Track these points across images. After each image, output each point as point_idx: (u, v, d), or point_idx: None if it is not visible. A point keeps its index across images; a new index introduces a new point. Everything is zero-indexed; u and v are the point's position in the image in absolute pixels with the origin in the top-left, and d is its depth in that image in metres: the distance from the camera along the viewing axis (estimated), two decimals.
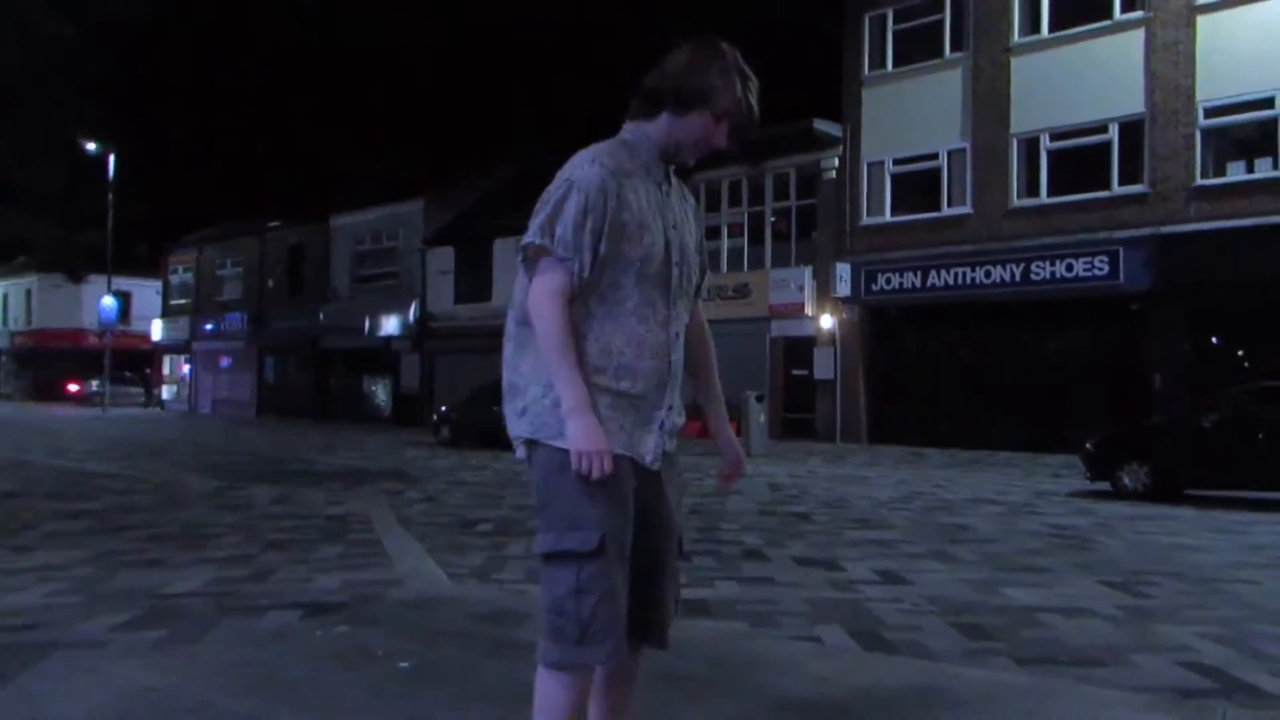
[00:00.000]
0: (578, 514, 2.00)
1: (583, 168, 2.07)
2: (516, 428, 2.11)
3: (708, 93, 2.10)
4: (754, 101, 2.15)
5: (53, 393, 47.19)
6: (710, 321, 2.36)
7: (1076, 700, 3.26)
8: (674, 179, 2.24)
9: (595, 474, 1.96)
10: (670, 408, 2.15)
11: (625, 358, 2.07)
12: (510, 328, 2.15)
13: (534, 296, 2.04)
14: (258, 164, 65.27)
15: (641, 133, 2.17)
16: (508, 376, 2.15)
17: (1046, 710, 3.10)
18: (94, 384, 43.45)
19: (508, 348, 2.15)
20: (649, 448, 2.10)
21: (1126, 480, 11.05)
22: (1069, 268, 17.73)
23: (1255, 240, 15.47)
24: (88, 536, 7.08)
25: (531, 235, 2.05)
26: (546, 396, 2.05)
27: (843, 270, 20.68)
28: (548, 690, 2.03)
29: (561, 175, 2.09)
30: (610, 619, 1.98)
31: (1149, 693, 3.59)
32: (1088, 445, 11.69)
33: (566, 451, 2.00)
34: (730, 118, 2.13)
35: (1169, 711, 3.15)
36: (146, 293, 47.37)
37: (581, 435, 1.96)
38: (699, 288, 2.31)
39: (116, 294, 39.39)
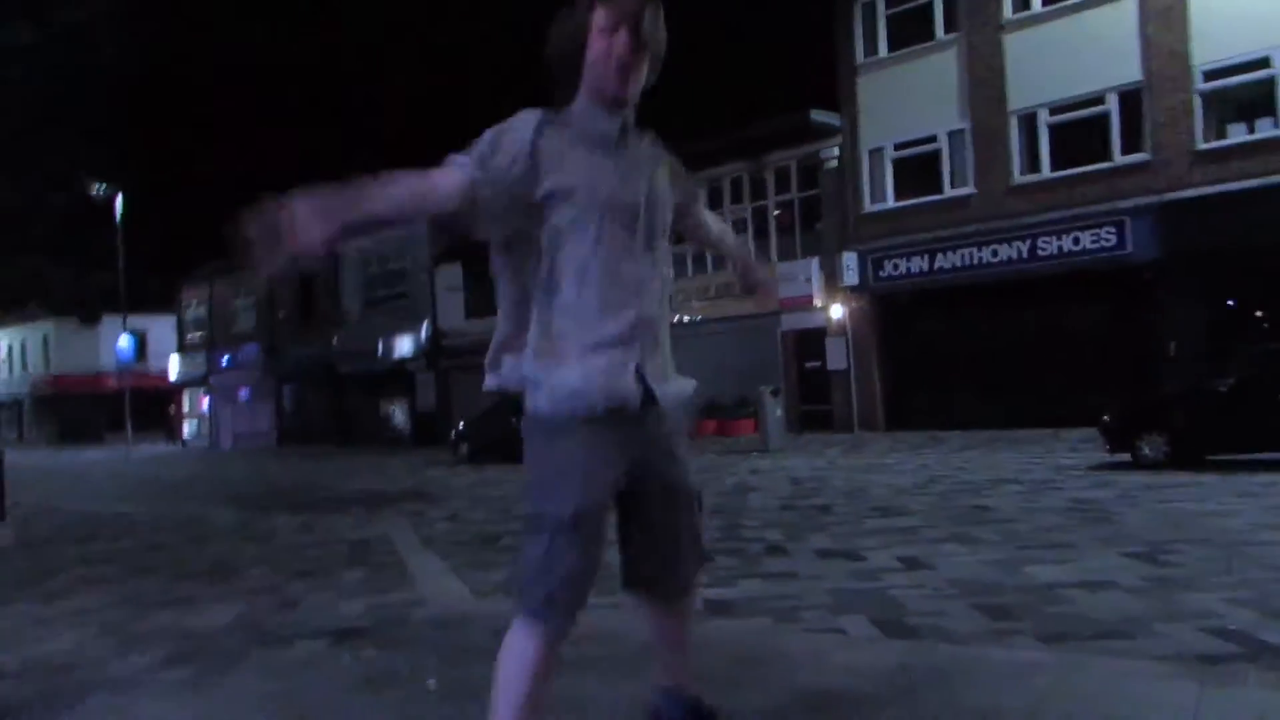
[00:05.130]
0: (556, 482, 2.01)
1: (517, 118, 2.05)
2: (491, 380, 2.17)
3: (583, 22, 2.04)
4: None
5: (76, 437, 47.59)
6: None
7: (1098, 673, 3.27)
8: (633, 132, 2.17)
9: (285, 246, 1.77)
10: (648, 355, 2.09)
11: (592, 317, 2.04)
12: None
13: None
14: (265, 193, 65.70)
15: (570, 107, 2.12)
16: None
17: (1068, 684, 3.11)
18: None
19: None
20: (628, 392, 2.04)
21: (1146, 450, 11.02)
22: (1076, 241, 17.67)
23: (1261, 201, 15.39)
24: (117, 578, 7.17)
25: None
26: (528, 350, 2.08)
27: (849, 259, 20.67)
28: (517, 640, 2.06)
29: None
30: (569, 597, 2.00)
31: (1173, 661, 3.59)
32: (1105, 417, 11.66)
33: (547, 417, 2.03)
34: (618, 17, 2.01)
35: (1192, 678, 3.15)
36: (162, 329, 47.69)
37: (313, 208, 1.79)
38: (688, 207, 2.38)
39: (132, 333, 39.68)
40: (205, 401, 42.41)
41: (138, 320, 43.77)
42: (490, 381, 2.15)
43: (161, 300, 46.35)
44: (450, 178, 1.95)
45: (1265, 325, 15.93)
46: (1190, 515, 7.50)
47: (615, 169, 2.08)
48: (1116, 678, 3.20)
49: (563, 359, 2.02)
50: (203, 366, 41.34)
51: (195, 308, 42.84)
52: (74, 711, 3.67)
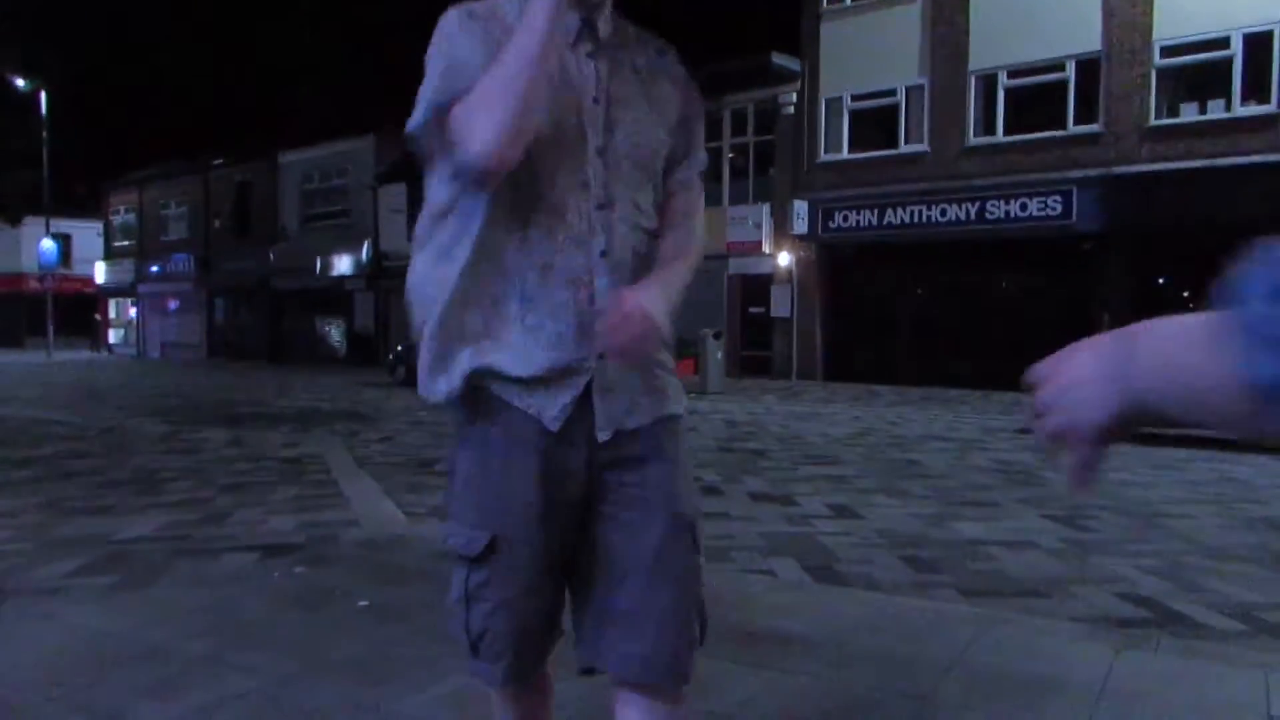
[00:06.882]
0: (464, 505, 1.55)
1: (445, 23, 1.50)
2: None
3: None
4: None
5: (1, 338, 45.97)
6: None
7: (1016, 629, 3.37)
8: (604, 29, 1.55)
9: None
10: (602, 356, 1.49)
11: (529, 283, 1.48)
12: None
13: (457, 121, 1.41)
14: (201, 100, 63.35)
15: None
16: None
17: (989, 638, 3.21)
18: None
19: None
20: (558, 405, 1.49)
21: None
22: (1023, 207, 17.89)
23: (1205, 182, 15.69)
24: (37, 484, 6.99)
25: (413, 122, 1.48)
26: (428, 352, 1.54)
27: (800, 208, 20.69)
28: (492, 700, 1.68)
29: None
30: (504, 636, 1.53)
31: (1087, 622, 3.72)
32: None
33: (472, 418, 1.55)
34: None
35: (1104, 640, 3.27)
36: (88, 234, 45.84)
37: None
38: (671, 175, 1.62)
39: (56, 236, 38.14)
40: (132, 310, 41.24)
41: (62, 224, 42.14)
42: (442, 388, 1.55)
43: (88, 204, 44.61)
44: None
45: (1190, 306, 16.34)
46: (1109, 483, 7.73)
47: (578, 86, 1.51)
48: (1035, 635, 3.31)
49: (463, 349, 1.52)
50: (131, 274, 40.06)
51: (124, 214, 41.31)
52: None
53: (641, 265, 1.55)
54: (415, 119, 1.47)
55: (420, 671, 2.90)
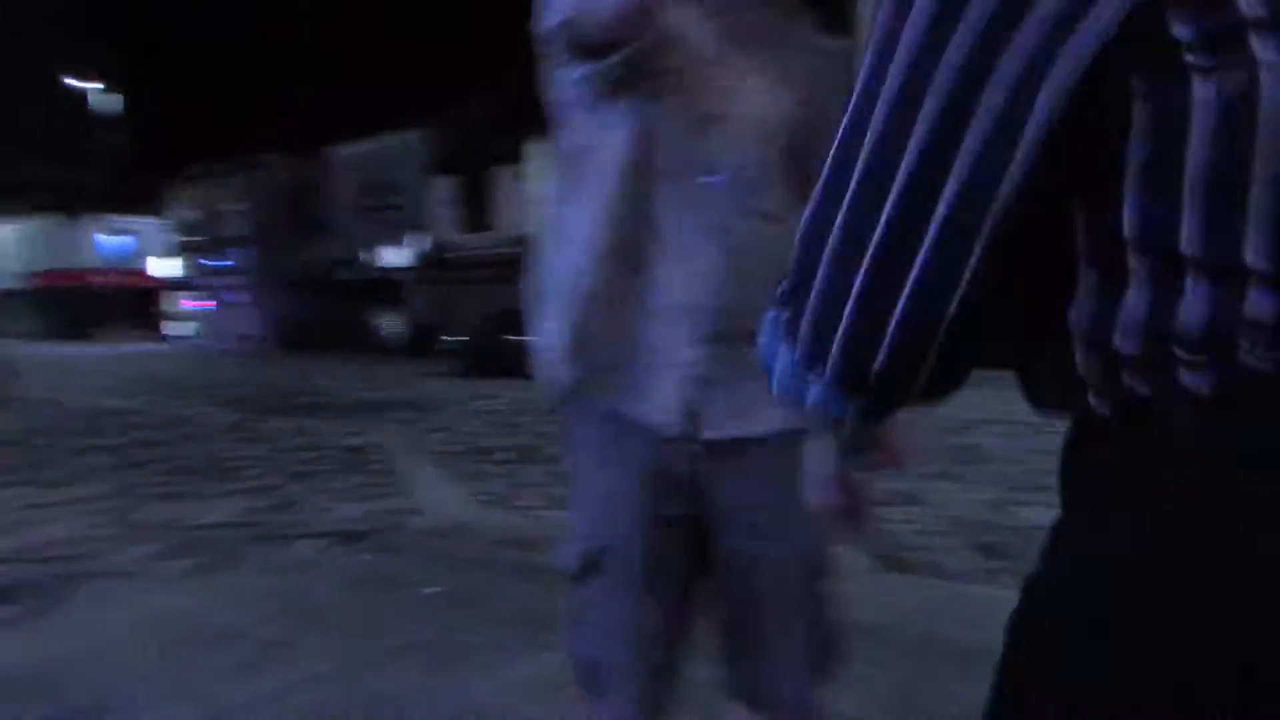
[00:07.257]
0: (575, 515, 1.44)
1: None
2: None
3: None
4: None
5: (69, 331, 47.43)
6: None
7: None
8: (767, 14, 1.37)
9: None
10: (716, 341, 1.32)
11: (641, 252, 1.33)
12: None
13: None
14: (255, 98, 64.48)
15: None
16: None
17: None
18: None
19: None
20: (665, 403, 1.33)
21: None
22: None
23: None
24: (113, 471, 7.20)
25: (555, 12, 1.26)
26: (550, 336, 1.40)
27: None
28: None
29: None
30: (618, 665, 1.39)
31: None
32: None
33: (577, 417, 1.44)
34: None
35: None
36: (150, 230, 47.13)
37: None
38: (807, 160, 1.31)
39: (121, 232, 39.22)
40: (194, 303, 42.24)
41: (126, 220, 43.26)
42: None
43: (150, 202, 45.76)
44: None
45: None
46: None
47: (665, 37, 1.28)
48: None
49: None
50: (192, 268, 41.04)
51: (185, 209, 42.31)
52: (75, 596, 3.71)
53: (763, 258, 1.29)
54: (554, 12, 1.25)
55: (489, 657, 2.95)
